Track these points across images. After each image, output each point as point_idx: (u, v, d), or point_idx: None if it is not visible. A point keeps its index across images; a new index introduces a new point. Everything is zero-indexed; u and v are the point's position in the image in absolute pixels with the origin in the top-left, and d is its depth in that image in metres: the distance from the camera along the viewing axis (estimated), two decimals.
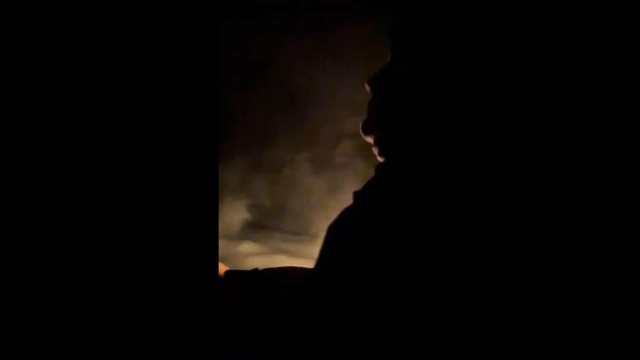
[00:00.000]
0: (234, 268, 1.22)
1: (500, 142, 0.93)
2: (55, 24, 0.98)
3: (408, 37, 1.07)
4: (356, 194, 1.05)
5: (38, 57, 0.97)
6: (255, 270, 1.25)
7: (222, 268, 1.24)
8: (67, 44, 0.98)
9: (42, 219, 0.97)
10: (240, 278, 1.18)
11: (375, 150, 1.12)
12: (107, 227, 0.96)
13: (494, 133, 0.93)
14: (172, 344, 0.95)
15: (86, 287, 0.96)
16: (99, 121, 0.98)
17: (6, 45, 0.97)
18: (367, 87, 1.12)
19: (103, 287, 0.96)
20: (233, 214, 2.23)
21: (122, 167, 0.97)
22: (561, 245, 0.87)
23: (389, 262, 0.91)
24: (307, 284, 1.06)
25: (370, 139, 1.12)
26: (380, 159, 1.11)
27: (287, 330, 0.98)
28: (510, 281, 0.88)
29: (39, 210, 0.97)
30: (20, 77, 0.97)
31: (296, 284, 1.14)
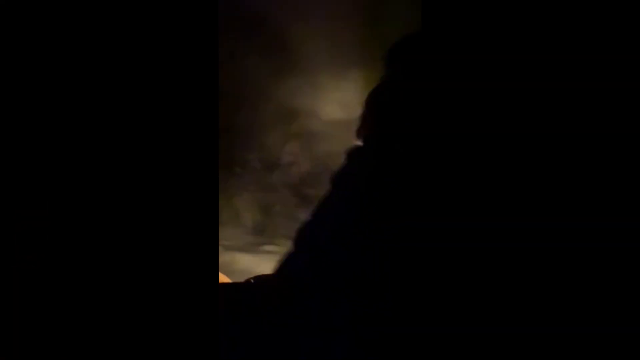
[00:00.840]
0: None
1: (498, 143, 0.93)
2: (55, 24, 0.97)
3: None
4: (333, 179, 1.06)
5: (38, 57, 0.97)
6: (248, 281, 1.25)
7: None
8: (67, 43, 0.98)
9: (42, 219, 0.97)
10: (238, 290, 1.18)
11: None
12: (107, 227, 0.96)
13: (492, 135, 0.94)
14: (171, 346, 0.95)
15: (86, 287, 0.96)
16: (98, 121, 0.98)
17: (6, 45, 0.97)
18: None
19: (103, 288, 0.96)
20: None
21: (122, 167, 0.97)
22: (561, 247, 0.88)
23: (389, 263, 0.91)
24: (295, 286, 1.06)
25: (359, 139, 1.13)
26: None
27: (283, 333, 0.98)
28: (510, 282, 0.88)
29: (39, 210, 0.97)
30: (20, 77, 0.97)
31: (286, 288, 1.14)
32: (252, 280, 1.23)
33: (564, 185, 0.91)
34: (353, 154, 1.13)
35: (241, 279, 1.20)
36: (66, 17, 0.97)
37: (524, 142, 0.93)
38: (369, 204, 1.00)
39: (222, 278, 1.24)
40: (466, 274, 0.89)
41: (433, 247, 0.90)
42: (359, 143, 1.14)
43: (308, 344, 0.96)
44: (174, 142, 0.98)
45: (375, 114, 1.12)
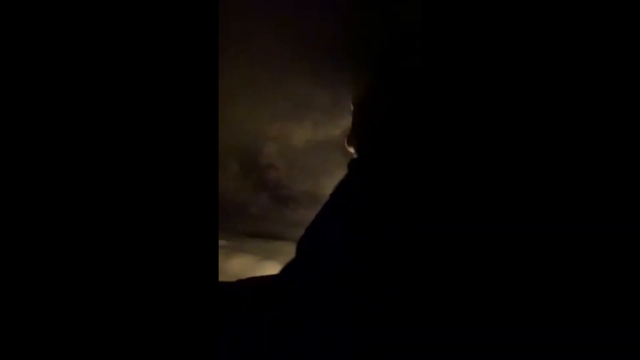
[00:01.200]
0: None
1: (498, 144, 0.93)
2: (55, 24, 0.97)
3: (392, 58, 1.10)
4: (333, 195, 1.08)
5: (38, 57, 0.97)
6: (239, 282, 1.25)
7: None
8: (67, 43, 0.98)
9: (42, 219, 0.97)
10: (225, 290, 1.18)
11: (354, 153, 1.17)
12: (107, 227, 0.96)
13: (491, 137, 0.94)
14: (170, 346, 0.95)
15: (86, 287, 0.96)
16: (99, 121, 0.98)
17: (6, 45, 0.97)
18: (352, 107, 1.19)
19: (103, 287, 0.96)
20: None
21: (122, 167, 0.97)
22: (561, 247, 0.88)
23: (389, 263, 0.91)
24: (292, 285, 1.06)
25: (352, 149, 1.18)
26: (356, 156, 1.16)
27: (278, 333, 0.99)
28: (510, 282, 0.88)
29: (39, 210, 0.97)
30: (20, 77, 0.97)
31: (281, 288, 1.14)
32: (244, 281, 1.23)
33: (563, 186, 0.91)
34: (351, 158, 1.15)
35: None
36: (66, 17, 0.97)
37: (523, 143, 0.93)
38: (369, 204, 1.01)
39: None
40: (466, 273, 0.89)
41: (433, 247, 0.90)
42: (352, 150, 1.18)
43: (308, 344, 0.96)
44: (174, 144, 0.98)
45: (365, 124, 1.15)
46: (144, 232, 0.96)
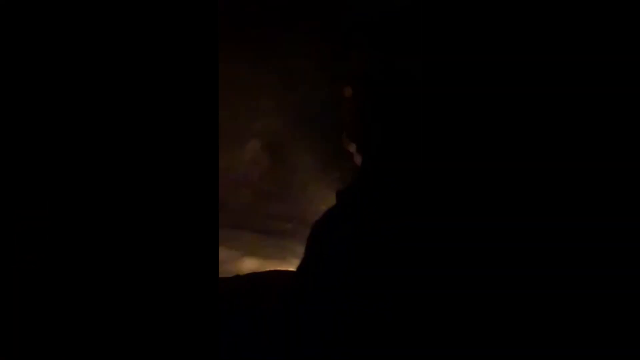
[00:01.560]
0: None
1: (498, 143, 0.93)
2: (55, 24, 0.97)
3: (388, 36, 1.07)
4: (339, 194, 1.06)
5: (38, 57, 0.97)
6: (237, 277, 1.25)
7: None
8: (67, 43, 0.98)
9: (42, 219, 0.97)
10: (222, 285, 1.17)
11: (357, 158, 1.13)
12: (107, 227, 0.96)
13: (489, 133, 0.94)
14: (171, 346, 0.95)
15: (86, 287, 0.96)
16: (98, 121, 0.98)
17: (6, 45, 0.97)
18: (349, 91, 1.14)
19: (103, 288, 0.96)
20: None
21: (122, 167, 0.97)
22: (561, 247, 0.88)
23: (389, 263, 0.91)
24: (294, 285, 1.06)
25: (352, 148, 1.13)
26: (359, 162, 1.12)
27: (275, 331, 0.98)
28: (510, 281, 0.88)
29: (39, 210, 0.97)
30: (20, 77, 0.97)
31: (281, 287, 1.14)
32: (241, 277, 1.23)
33: (563, 186, 0.91)
34: (351, 158, 1.13)
35: None
36: (66, 17, 0.97)
37: (524, 142, 0.93)
38: (369, 204, 1.00)
39: None
40: (466, 273, 0.89)
41: (433, 247, 0.90)
42: (352, 147, 1.14)
43: (308, 344, 0.96)
44: (173, 143, 0.98)
45: (359, 117, 1.12)
46: (144, 232, 0.96)
